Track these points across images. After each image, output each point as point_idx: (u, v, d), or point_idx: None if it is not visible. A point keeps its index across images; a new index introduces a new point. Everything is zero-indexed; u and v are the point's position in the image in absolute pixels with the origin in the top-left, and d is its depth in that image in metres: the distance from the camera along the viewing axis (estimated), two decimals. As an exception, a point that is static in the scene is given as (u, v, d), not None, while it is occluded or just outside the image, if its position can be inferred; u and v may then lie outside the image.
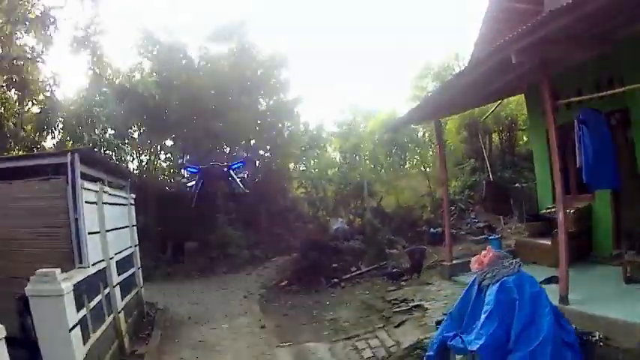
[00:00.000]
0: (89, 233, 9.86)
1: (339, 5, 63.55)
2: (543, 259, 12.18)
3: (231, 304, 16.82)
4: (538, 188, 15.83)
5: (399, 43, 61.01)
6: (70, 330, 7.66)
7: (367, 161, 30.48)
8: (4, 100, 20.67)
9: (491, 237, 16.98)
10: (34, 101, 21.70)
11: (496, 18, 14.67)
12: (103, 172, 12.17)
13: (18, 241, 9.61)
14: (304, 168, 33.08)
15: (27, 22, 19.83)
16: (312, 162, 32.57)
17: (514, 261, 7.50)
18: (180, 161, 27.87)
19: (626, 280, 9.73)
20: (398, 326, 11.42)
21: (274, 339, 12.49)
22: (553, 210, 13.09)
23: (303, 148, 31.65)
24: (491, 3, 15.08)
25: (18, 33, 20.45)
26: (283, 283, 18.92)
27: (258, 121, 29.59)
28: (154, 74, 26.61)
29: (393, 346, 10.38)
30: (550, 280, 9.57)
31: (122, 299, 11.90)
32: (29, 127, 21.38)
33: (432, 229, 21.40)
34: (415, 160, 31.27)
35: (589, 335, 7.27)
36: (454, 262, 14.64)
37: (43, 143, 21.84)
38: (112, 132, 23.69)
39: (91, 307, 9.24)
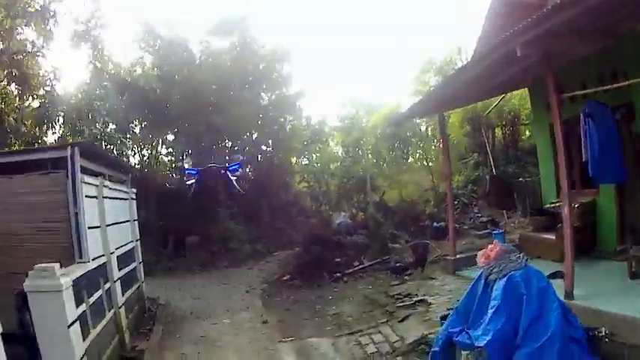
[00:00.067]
0: (89, 228, 9.77)
1: (341, 1, 63.02)
2: (547, 253, 12.09)
3: (233, 299, 16.72)
4: (542, 183, 15.72)
5: (401, 39, 60.92)
6: (69, 326, 7.54)
7: (370, 155, 30.34)
8: (4, 95, 20.56)
9: (494, 231, 16.86)
10: (34, 96, 21.58)
11: (499, 12, 14.53)
12: (103, 166, 12.11)
13: (18, 236, 9.55)
14: (307, 162, 32.94)
15: (27, 16, 19.68)
16: (314, 156, 32.41)
17: (521, 255, 7.35)
18: (179, 164, 27.75)
19: (631, 275, 9.63)
20: (402, 321, 11.35)
21: (276, 334, 12.40)
22: (557, 204, 13.06)
23: (305, 143, 31.57)
24: (494, -3, 14.97)
25: (19, 28, 20.34)
26: (285, 278, 18.80)
27: (260, 116, 29.39)
28: (155, 69, 26.51)
29: (397, 341, 10.32)
30: (555, 275, 9.44)
31: (123, 294, 11.80)
32: (30, 122, 21.25)
33: (434, 224, 21.28)
34: (418, 155, 31.13)
35: (595, 331, 7.17)
36: (458, 256, 14.57)
37: (44, 138, 21.75)
38: (114, 126, 23.55)
39: (91, 302, 9.12)
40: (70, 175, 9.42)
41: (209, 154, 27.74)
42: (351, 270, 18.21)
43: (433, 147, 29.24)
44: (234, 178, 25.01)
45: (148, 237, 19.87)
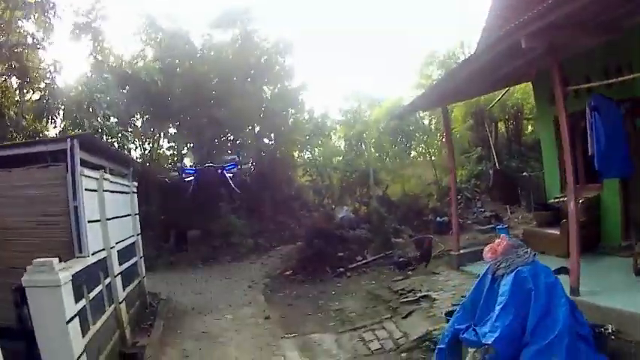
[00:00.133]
0: (89, 222, 9.69)
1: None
2: (552, 249, 11.91)
3: (235, 294, 16.65)
4: (546, 177, 15.64)
5: (403, 32, 60.56)
6: (68, 322, 7.44)
7: (372, 149, 30.21)
8: (4, 89, 20.40)
9: (498, 226, 16.72)
10: (34, 89, 21.42)
11: (503, 5, 14.37)
12: (104, 159, 11.99)
13: (17, 230, 9.47)
14: (309, 156, 32.81)
15: (26, 8, 19.52)
16: (317, 150, 32.28)
17: (528, 250, 7.22)
18: (181, 157, 27.60)
19: (637, 271, 9.50)
20: (405, 317, 11.29)
21: (279, 330, 12.32)
22: (561, 199, 13.07)
23: (307, 136, 31.41)
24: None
25: (19, 21, 20.21)
26: (288, 273, 18.72)
27: (263, 109, 29.28)
28: (157, 61, 26.34)
29: (401, 337, 10.27)
30: (559, 271, 9.27)
31: (124, 289, 11.70)
32: (30, 116, 21.12)
33: (438, 218, 21.11)
34: (421, 149, 30.99)
35: (601, 328, 7.08)
36: (462, 251, 14.50)
37: (45, 132, 21.60)
38: (115, 120, 23.39)
39: (91, 297, 9.05)
40: (69, 168, 9.31)
41: (211, 147, 27.67)
42: (354, 265, 18.09)
43: (436, 141, 29.10)
44: (230, 175, 24.88)
45: (149, 231, 19.91)
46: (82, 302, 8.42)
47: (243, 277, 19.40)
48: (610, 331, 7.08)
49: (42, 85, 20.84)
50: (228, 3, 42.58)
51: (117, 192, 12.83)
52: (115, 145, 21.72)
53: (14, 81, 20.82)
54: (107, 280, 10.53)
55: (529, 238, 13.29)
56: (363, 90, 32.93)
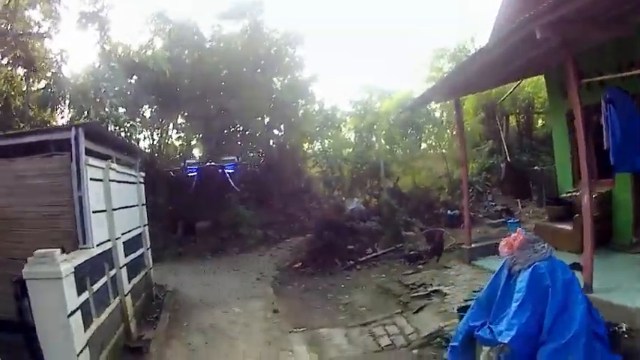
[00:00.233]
0: (94, 212, 9.52)
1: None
2: (564, 244, 11.65)
3: (244, 286, 16.51)
4: (558, 171, 15.42)
5: (404, 32, 60.63)
6: (69, 315, 7.27)
7: (383, 141, 30.02)
8: (10, 78, 20.27)
9: (510, 220, 16.56)
10: (40, 79, 21.28)
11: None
12: (110, 149, 11.86)
13: (20, 220, 9.36)
14: (320, 147, 32.63)
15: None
16: (327, 141, 32.12)
17: (545, 245, 7.00)
18: (182, 164, 27.44)
19: (649, 269, 9.30)
20: (416, 312, 11.16)
21: (288, 323, 12.15)
22: (574, 194, 12.97)
23: (317, 128, 31.24)
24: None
25: (26, 11, 20.10)
26: (297, 265, 18.58)
27: (272, 100, 29.16)
28: (166, 52, 26.18)
29: (412, 333, 10.14)
30: (572, 267, 9.06)
31: (129, 281, 11.52)
32: (36, 106, 20.99)
33: (449, 211, 20.95)
34: (431, 141, 30.82)
35: (615, 326, 6.92)
36: (473, 245, 14.29)
37: (53, 122, 21.49)
38: (123, 110, 23.27)
39: (95, 290, 8.88)
40: (74, 158, 9.15)
41: (220, 138, 27.66)
42: (364, 258, 17.92)
43: (446, 134, 28.94)
44: (229, 172, 24.83)
45: (157, 222, 19.85)
46: (85, 295, 8.26)
47: (252, 269, 19.24)
48: (624, 329, 6.93)
49: (48, 74, 20.72)
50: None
51: (123, 182, 12.66)
52: (123, 135, 21.61)
53: (20, 71, 20.68)
54: (112, 272, 10.36)
55: (541, 233, 12.94)
56: (373, 82, 32.77)
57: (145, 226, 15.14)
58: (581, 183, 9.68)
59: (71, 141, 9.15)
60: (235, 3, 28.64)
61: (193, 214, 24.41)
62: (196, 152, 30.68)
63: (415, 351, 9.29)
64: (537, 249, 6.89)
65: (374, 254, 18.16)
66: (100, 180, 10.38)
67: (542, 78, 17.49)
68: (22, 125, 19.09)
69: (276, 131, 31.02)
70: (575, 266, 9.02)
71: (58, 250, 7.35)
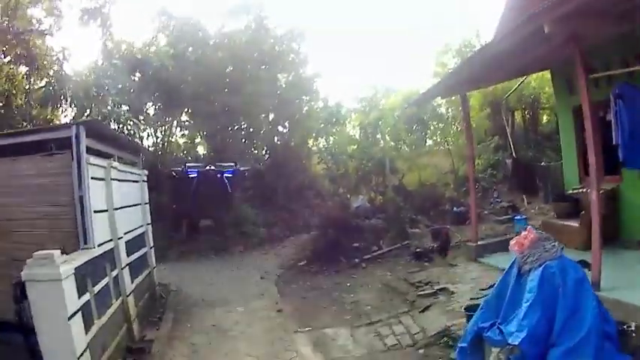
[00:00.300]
0: (96, 212, 9.41)
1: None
2: (570, 241, 11.50)
3: (247, 286, 16.40)
4: (564, 168, 15.39)
5: (414, 25, 60.36)
6: (70, 318, 7.14)
7: (388, 137, 29.92)
8: (12, 77, 20.16)
9: (516, 217, 16.37)
10: (42, 77, 21.19)
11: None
12: (112, 147, 11.79)
13: (20, 221, 9.28)
14: (324, 144, 32.53)
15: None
16: (331, 138, 32.01)
17: (556, 244, 6.89)
18: (182, 167, 27.36)
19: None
20: (423, 311, 11.06)
21: (292, 323, 12.06)
22: (580, 190, 12.93)
23: (322, 125, 31.08)
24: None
25: (27, 8, 20.02)
26: (302, 263, 18.50)
27: (277, 95, 29.05)
28: (170, 48, 26.11)
29: (418, 332, 10.06)
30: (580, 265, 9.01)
31: (132, 281, 11.41)
32: (38, 104, 20.89)
33: (454, 208, 20.79)
34: (437, 137, 30.71)
35: (624, 325, 6.79)
36: (480, 242, 14.24)
37: (56, 121, 21.40)
38: (126, 107, 23.19)
39: (96, 291, 8.77)
40: (74, 157, 9.03)
41: (224, 135, 27.67)
42: (369, 255, 17.77)
43: (452, 130, 28.82)
44: (228, 177, 24.79)
45: (160, 221, 19.80)
46: (86, 296, 8.14)
47: (256, 267, 19.15)
48: (632, 328, 6.79)
49: (50, 72, 20.63)
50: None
51: (126, 181, 12.58)
52: (126, 133, 21.53)
53: (22, 69, 20.58)
54: (114, 273, 10.25)
55: (547, 230, 12.85)
56: (377, 79, 32.78)
57: (148, 225, 15.04)
58: (587, 179, 9.60)
59: (72, 139, 9.01)
60: (239, 2, 28.64)
61: (197, 212, 24.32)
62: (200, 150, 30.82)
63: (421, 351, 9.23)
64: (548, 248, 6.79)
65: (379, 252, 18.03)
66: (102, 179, 10.29)
67: (547, 73, 17.47)
68: (24, 124, 18.99)
69: (280, 128, 30.97)
70: (583, 264, 8.93)
71: (58, 252, 7.22)
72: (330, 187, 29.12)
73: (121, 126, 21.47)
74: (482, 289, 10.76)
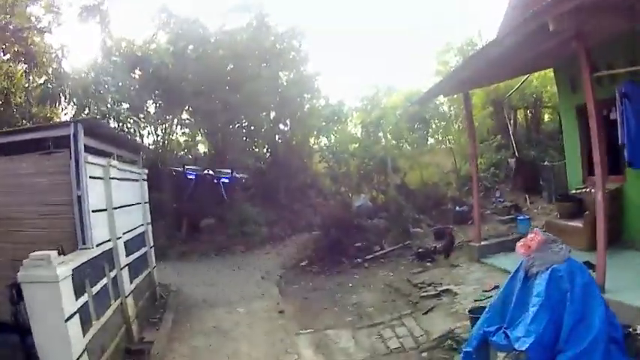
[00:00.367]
0: (94, 211, 9.33)
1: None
2: (573, 241, 11.29)
3: (248, 286, 16.29)
4: (567, 167, 15.26)
5: (414, 25, 60.39)
6: (67, 320, 7.06)
7: (389, 136, 29.81)
8: (10, 74, 20.04)
9: (519, 217, 16.27)
10: (41, 74, 21.07)
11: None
12: (111, 146, 11.68)
13: (18, 220, 9.21)
14: (326, 142, 32.46)
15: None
16: (333, 137, 31.92)
17: (563, 246, 6.74)
18: (181, 170, 27.32)
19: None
20: (426, 313, 10.95)
21: (293, 325, 11.95)
22: (584, 190, 12.83)
23: (323, 123, 30.97)
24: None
25: (26, 5, 19.91)
26: (303, 263, 18.37)
27: (278, 94, 28.94)
28: (170, 46, 26.04)
29: (421, 335, 9.92)
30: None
31: (131, 282, 11.35)
32: (37, 102, 20.77)
33: (457, 207, 20.69)
34: (439, 136, 30.64)
35: (629, 328, 6.65)
36: (483, 242, 14.16)
37: (56, 119, 21.27)
38: (127, 105, 23.10)
39: (95, 292, 8.70)
40: (73, 155, 8.94)
41: (225, 133, 27.66)
42: (371, 255, 17.66)
43: (453, 128, 28.73)
44: (224, 182, 24.91)
45: (161, 220, 19.84)
46: (84, 298, 8.06)
47: (257, 267, 19.07)
48: (638, 331, 6.69)
49: (49, 70, 20.52)
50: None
51: (125, 179, 12.49)
52: (125, 130, 21.43)
53: (21, 67, 20.46)
54: (113, 273, 10.17)
55: (550, 230, 12.81)
56: (379, 77, 32.72)
57: (148, 224, 14.94)
58: (591, 179, 9.51)
59: (70, 138, 8.92)
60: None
61: (198, 211, 24.31)
62: (201, 148, 30.82)
63: (425, 354, 9.11)
64: (555, 250, 6.64)
65: (381, 252, 17.92)
66: (101, 178, 10.23)
67: (549, 72, 17.40)
68: (24, 122, 18.88)
69: (281, 126, 30.88)
70: (587, 265, 8.80)
71: (55, 253, 7.15)
72: (332, 185, 29.04)
73: (121, 124, 21.40)
74: (486, 291, 10.69)
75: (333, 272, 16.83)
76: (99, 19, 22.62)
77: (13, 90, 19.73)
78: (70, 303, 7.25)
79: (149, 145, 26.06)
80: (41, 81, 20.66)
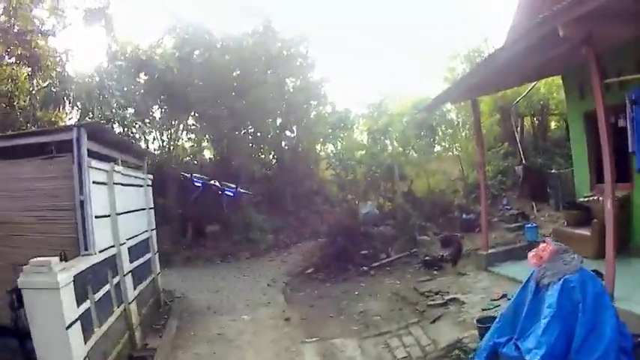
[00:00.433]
0: (97, 217, 9.21)
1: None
2: (581, 249, 11.15)
3: (254, 293, 16.17)
4: (575, 175, 15.26)
5: (420, 20, 60.31)
6: (68, 327, 6.94)
7: (396, 143, 29.73)
8: (14, 78, 19.97)
9: (527, 225, 16.11)
10: (44, 78, 21.01)
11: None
12: (115, 150, 11.58)
13: (20, 225, 9.12)
14: (333, 149, 32.41)
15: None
16: (339, 144, 31.86)
17: (575, 256, 6.64)
18: (188, 176, 27.29)
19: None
20: (433, 322, 10.74)
21: (299, 333, 11.75)
22: (592, 198, 12.74)
23: (330, 130, 30.95)
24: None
25: (30, 9, 19.86)
26: (309, 271, 18.23)
27: (285, 100, 29.01)
28: (176, 52, 26.04)
29: (428, 345, 9.69)
30: (595, 275, 8.76)
31: (135, 288, 11.22)
32: (41, 106, 20.71)
33: (464, 215, 20.57)
34: (446, 143, 30.56)
35: (637, 337, 6.49)
36: (490, 250, 14.02)
37: (61, 123, 21.20)
38: (132, 110, 23.05)
39: (97, 299, 8.57)
40: (75, 160, 8.82)
41: (231, 139, 27.60)
42: (377, 263, 17.51)
43: (460, 136, 28.65)
44: (228, 195, 24.92)
45: (166, 226, 19.81)
46: (86, 304, 7.95)
47: (262, 274, 18.97)
48: (646, 341, 6.55)
49: (53, 73, 20.45)
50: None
51: (129, 185, 12.37)
52: (130, 135, 21.37)
53: (25, 70, 20.40)
54: (116, 280, 10.03)
55: (558, 238, 12.72)
56: (386, 85, 32.70)
57: (152, 230, 14.82)
58: (598, 187, 9.39)
59: (73, 142, 8.81)
60: (246, 3, 28.69)
61: (204, 217, 24.27)
62: (207, 154, 30.81)
63: (432, 364, 8.94)
64: (567, 260, 6.56)
65: (388, 259, 17.77)
66: (104, 183, 10.11)
67: (557, 79, 17.41)
68: (28, 125, 18.81)
69: (288, 133, 30.81)
70: (596, 274, 8.70)
71: (56, 259, 7.06)
72: (339, 193, 29.03)
73: (126, 129, 21.35)
74: (494, 300, 10.58)
75: (339, 280, 16.67)
76: (104, 23, 22.57)
77: (17, 93, 19.67)
78: (71, 310, 7.14)
79: (154, 150, 26.07)
80: (45, 84, 20.57)
